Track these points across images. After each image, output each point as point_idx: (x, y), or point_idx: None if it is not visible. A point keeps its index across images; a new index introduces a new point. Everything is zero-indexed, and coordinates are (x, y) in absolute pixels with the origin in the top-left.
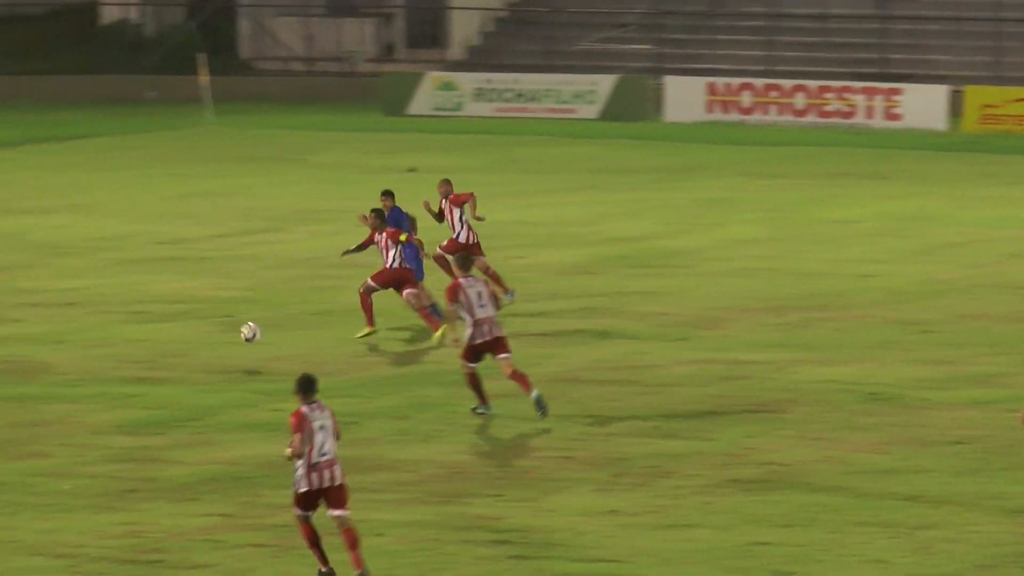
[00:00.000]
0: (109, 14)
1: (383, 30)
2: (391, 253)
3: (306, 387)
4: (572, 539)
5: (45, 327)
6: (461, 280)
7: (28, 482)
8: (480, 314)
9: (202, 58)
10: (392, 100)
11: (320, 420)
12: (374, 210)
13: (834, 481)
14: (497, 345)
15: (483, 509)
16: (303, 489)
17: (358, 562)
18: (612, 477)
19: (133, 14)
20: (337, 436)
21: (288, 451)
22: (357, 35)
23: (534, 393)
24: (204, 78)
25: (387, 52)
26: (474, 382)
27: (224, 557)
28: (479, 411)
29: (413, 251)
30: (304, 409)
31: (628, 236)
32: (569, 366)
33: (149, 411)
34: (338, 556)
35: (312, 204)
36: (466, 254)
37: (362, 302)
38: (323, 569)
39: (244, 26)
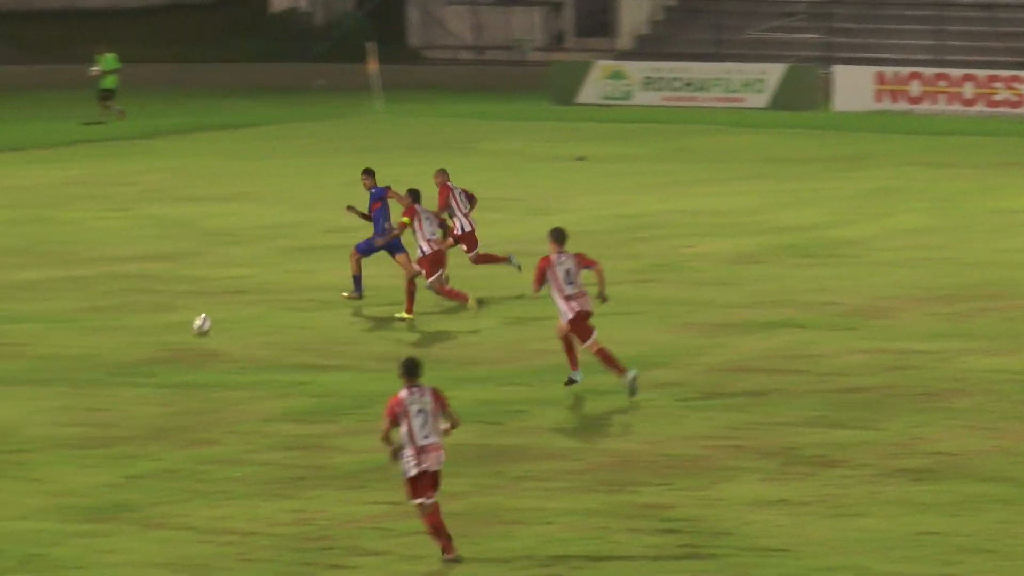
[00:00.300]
0: (279, 3)
1: (552, 19)
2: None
3: (410, 370)
4: (741, 528)
5: (214, 315)
6: (552, 256)
7: (199, 470)
8: (569, 291)
9: (371, 47)
10: (561, 89)
11: (418, 404)
12: (410, 190)
13: (1002, 471)
14: (581, 324)
15: (652, 498)
16: (412, 473)
17: (448, 546)
18: (781, 466)
19: (302, 3)
20: (453, 422)
21: (381, 437)
22: (526, 24)
23: (630, 374)
24: (373, 66)
25: (556, 41)
26: (606, 357)
27: (392, 545)
28: (624, 379)
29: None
30: (402, 394)
31: (796, 225)
32: (738, 355)
33: (317, 399)
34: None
35: (480, 192)
36: (561, 229)
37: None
38: (450, 556)
39: (413, 14)
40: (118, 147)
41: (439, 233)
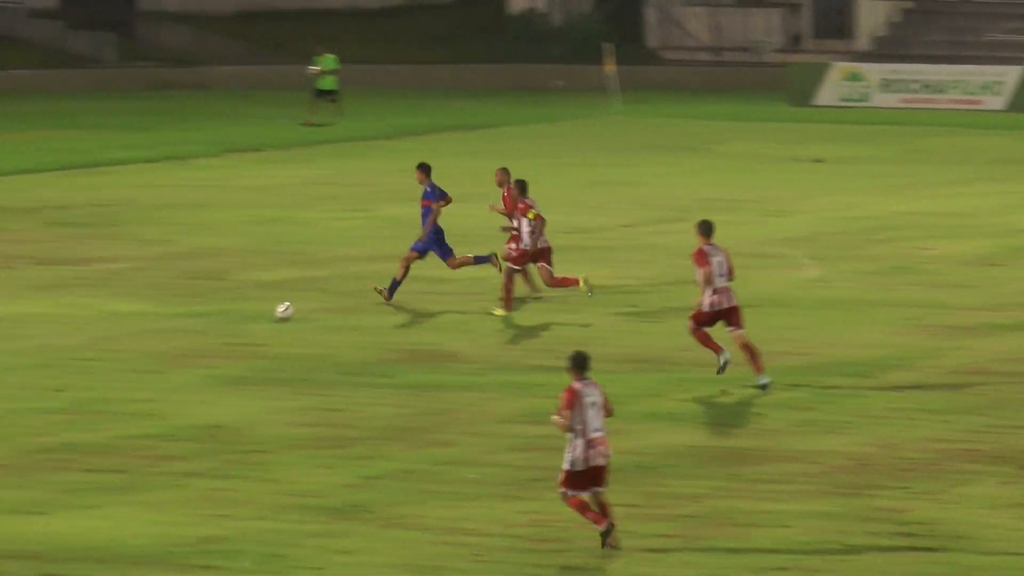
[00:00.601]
0: (517, 4)
1: (790, 20)
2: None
3: (579, 364)
4: (978, 532)
5: (453, 316)
6: (704, 247)
7: (435, 470)
8: (719, 283)
9: (609, 47)
10: (798, 90)
11: (591, 396)
12: (517, 181)
13: None
14: (731, 316)
15: (888, 501)
16: (580, 468)
17: (603, 520)
18: (1019, 470)
19: (540, 4)
20: (609, 413)
21: (556, 418)
22: (764, 25)
23: (763, 379)
24: (611, 67)
25: (794, 42)
26: (703, 337)
27: (628, 547)
28: (723, 365)
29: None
30: (577, 385)
31: None
32: (976, 357)
33: (554, 400)
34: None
35: (717, 193)
36: (709, 221)
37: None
38: (602, 528)
39: (651, 15)
40: (358, 148)
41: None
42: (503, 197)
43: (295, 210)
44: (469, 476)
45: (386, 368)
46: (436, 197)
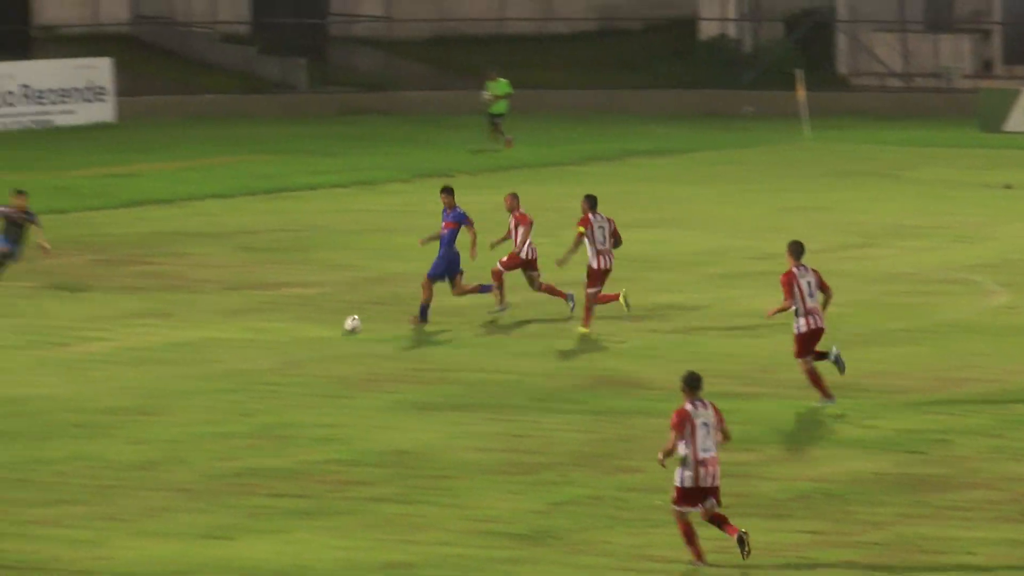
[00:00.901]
0: (708, 29)
1: (981, 46)
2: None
3: (692, 384)
4: None
5: (639, 341)
6: (794, 269)
7: (622, 497)
8: (810, 303)
9: (799, 73)
10: (989, 116)
11: (703, 417)
12: (588, 196)
13: None
14: (819, 335)
15: None
16: (688, 484)
17: (733, 529)
18: None
19: (731, 29)
20: (725, 436)
21: (662, 451)
22: (954, 51)
23: (827, 402)
24: (801, 93)
25: (984, 68)
26: (815, 378)
27: (816, 575)
28: (822, 404)
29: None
30: (688, 407)
31: None
32: None
33: (742, 426)
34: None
35: (906, 220)
36: (799, 242)
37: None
38: (696, 563)
39: (842, 41)
40: (547, 173)
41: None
42: (511, 222)
43: (484, 236)
44: (656, 502)
45: (574, 394)
46: (467, 221)
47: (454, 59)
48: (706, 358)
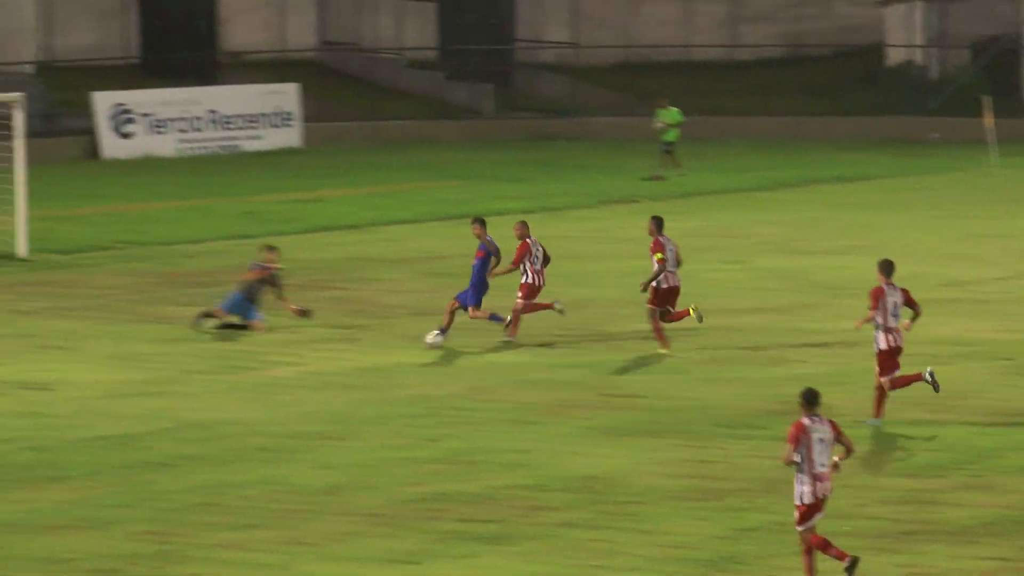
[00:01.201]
0: (894, 56)
1: None
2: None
3: (810, 400)
4: None
5: (827, 367)
6: (884, 286)
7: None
8: (892, 322)
9: (987, 100)
10: None
11: (820, 433)
12: (654, 217)
13: None
14: (899, 354)
15: None
16: (808, 500)
17: (841, 554)
18: None
19: (918, 56)
20: (849, 449)
21: (783, 458)
22: None
23: (875, 421)
24: (989, 120)
25: None
26: (881, 396)
27: None
28: (871, 423)
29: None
30: (805, 421)
31: None
32: None
33: (930, 453)
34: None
35: None
36: (890, 260)
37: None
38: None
39: None
40: (733, 199)
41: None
42: (519, 249)
43: (624, 262)
44: (843, 529)
45: (762, 419)
46: (495, 251)
47: (640, 85)
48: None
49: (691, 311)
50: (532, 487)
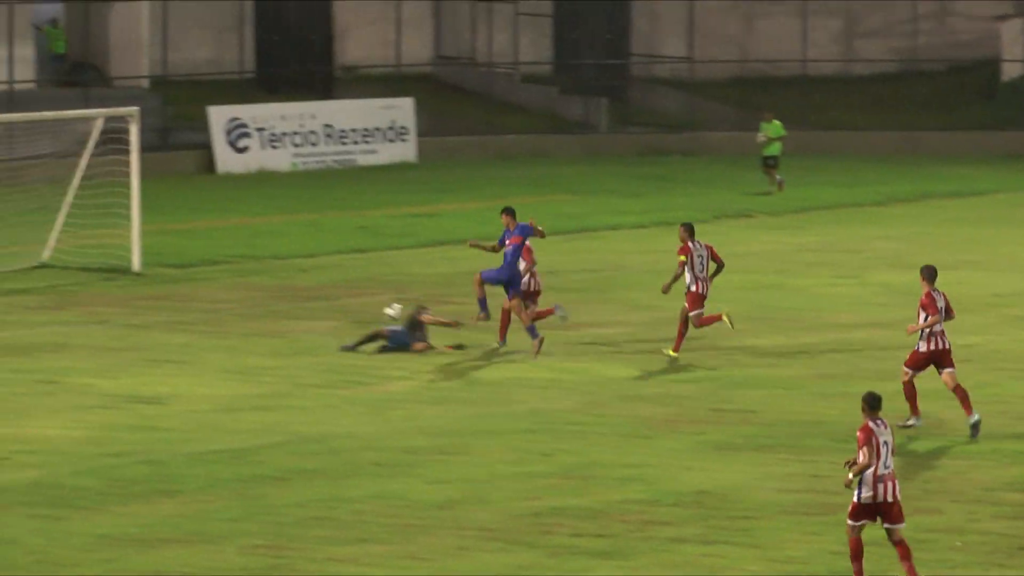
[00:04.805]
0: (1010, 71)
1: None
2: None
3: (873, 404)
4: None
5: (939, 382)
6: (932, 292)
7: (921, 538)
8: (937, 327)
9: None
10: None
11: (884, 436)
12: (684, 224)
13: None
14: (944, 358)
15: None
16: (867, 500)
17: (912, 571)
18: None
19: None
20: (893, 452)
21: (852, 470)
22: None
23: (974, 417)
24: None
25: None
26: (910, 392)
27: None
28: (908, 424)
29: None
30: (871, 424)
31: None
32: None
33: None
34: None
35: None
36: (934, 267)
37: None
38: None
39: None
40: (847, 214)
41: (711, 268)
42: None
43: (785, 276)
44: (956, 544)
45: None
46: (529, 232)
47: (755, 100)
48: (1008, 400)
49: (724, 317)
50: (645, 502)
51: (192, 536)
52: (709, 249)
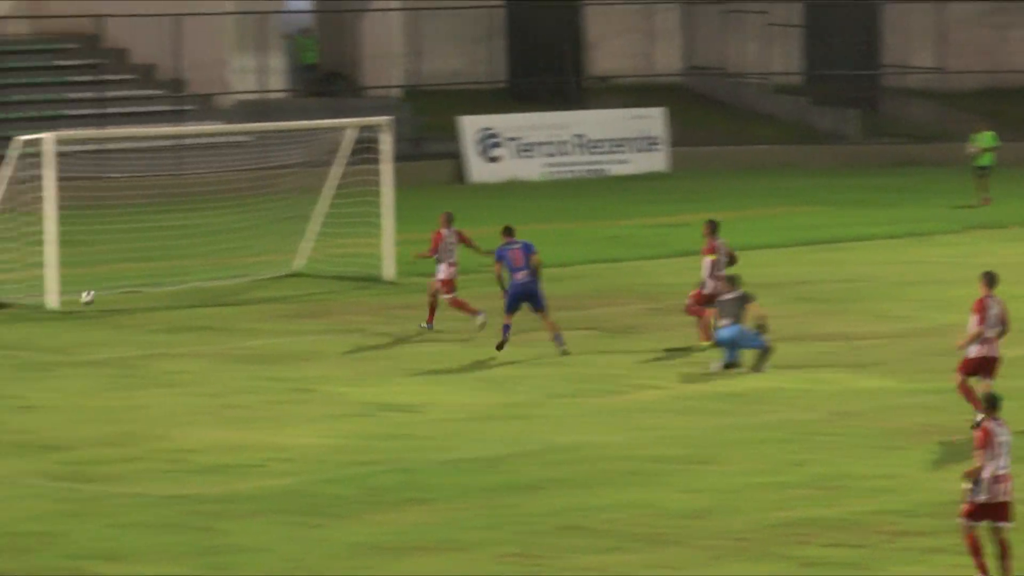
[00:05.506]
0: None
1: None
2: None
3: (992, 404)
4: None
5: None
6: (987, 298)
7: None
8: (989, 333)
9: None
10: None
11: (1003, 436)
12: (709, 221)
13: None
14: (992, 366)
15: None
16: (982, 499)
17: (1008, 571)
18: None
19: None
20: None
21: (970, 470)
22: None
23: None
24: None
25: None
26: (967, 391)
27: None
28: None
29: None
30: (991, 425)
31: None
32: None
33: None
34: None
35: None
36: (994, 273)
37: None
38: None
39: None
40: None
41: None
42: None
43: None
44: None
45: None
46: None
47: (1008, 111)
48: None
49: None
50: (899, 512)
51: (444, 544)
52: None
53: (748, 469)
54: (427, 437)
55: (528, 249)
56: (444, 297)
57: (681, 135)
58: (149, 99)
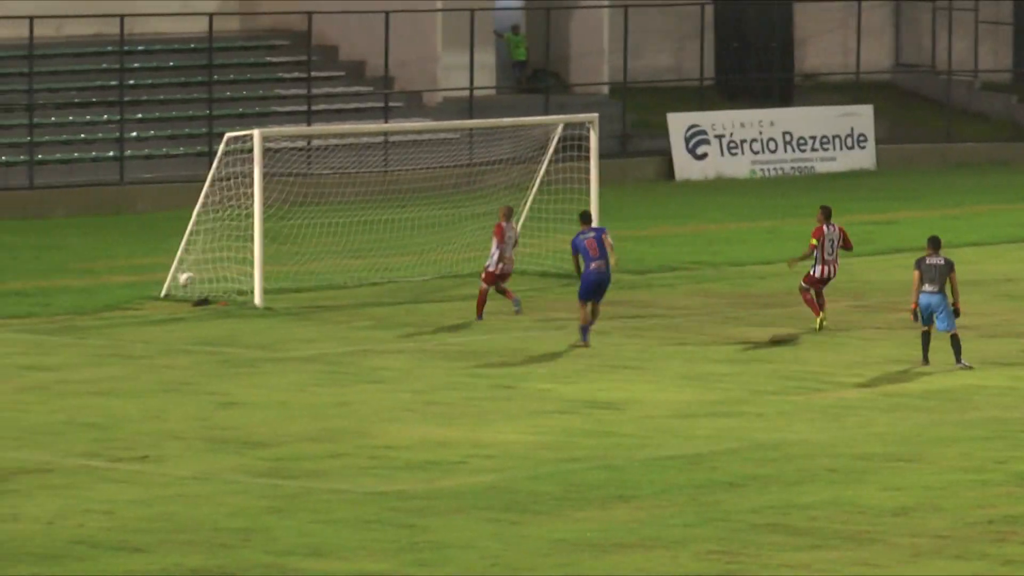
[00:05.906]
0: None
1: None
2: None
3: None
4: None
5: None
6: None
7: None
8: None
9: None
10: None
11: None
12: (823, 207)
13: None
14: None
15: None
16: None
17: None
18: None
19: None
20: None
21: None
22: None
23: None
24: None
25: None
26: None
27: None
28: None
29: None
30: None
31: None
32: None
33: None
34: None
35: None
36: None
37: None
38: None
39: None
40: None
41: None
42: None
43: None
44: None
45: None
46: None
47: None
48: None
49: (819, 317)
50: None
51: (647, 541)
52: (842, 232)
53: (951, 467)
54: (631, 434)
55: (600, 236)
56: (482, 286)
57: (889, 132)
58: (357, 96)
